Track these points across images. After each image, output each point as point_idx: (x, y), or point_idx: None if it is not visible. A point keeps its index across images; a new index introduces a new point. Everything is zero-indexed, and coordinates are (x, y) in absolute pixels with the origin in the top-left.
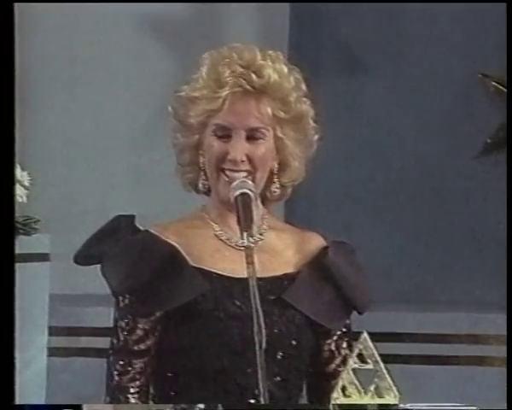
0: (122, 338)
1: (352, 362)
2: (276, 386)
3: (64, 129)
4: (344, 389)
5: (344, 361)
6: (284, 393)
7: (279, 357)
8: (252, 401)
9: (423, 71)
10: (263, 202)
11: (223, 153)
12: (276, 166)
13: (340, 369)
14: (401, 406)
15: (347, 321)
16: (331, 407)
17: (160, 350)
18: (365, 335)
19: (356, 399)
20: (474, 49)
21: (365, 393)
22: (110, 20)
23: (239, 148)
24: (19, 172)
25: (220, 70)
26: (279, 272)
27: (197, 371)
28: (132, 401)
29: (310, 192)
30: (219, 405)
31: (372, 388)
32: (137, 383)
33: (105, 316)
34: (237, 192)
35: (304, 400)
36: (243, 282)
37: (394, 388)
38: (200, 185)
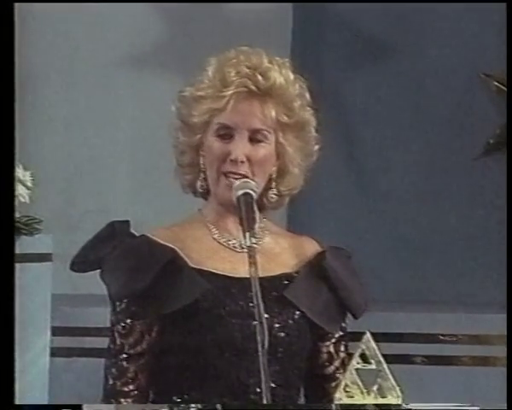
0: (118, 342)
1: (355, 362)
2: (276, 384)
3: (66, 129)
4: (346, 389)
5: (342, 364)
6: (284, 391)
7: (279, 355)
8: (253, 397)
9: (425, 70)
10: (259, 209)
11: (224, 153)
12: (275, 172)
13: (338, 371)
14: (404, 406)
15: (343, 324)
16: (333, 406)
17: (159, 350)
18: (368, 335)
19: (358, 399)
20: (476, 49)
21: (368, 393)
22: (111, 18)
23: (240, 148)
24: (21, 173)
25: (226, 70)
26: (277, 272)
27: (198, 370)
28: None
29: (310, 191)
30: (218, 405)
31: (375, 388)
32: (131, 386)
33: (108, 316)
34: (239, 192)
35: (301, 402)
36: (243, 281)
37: (397, 388)
38: (199, 186)
